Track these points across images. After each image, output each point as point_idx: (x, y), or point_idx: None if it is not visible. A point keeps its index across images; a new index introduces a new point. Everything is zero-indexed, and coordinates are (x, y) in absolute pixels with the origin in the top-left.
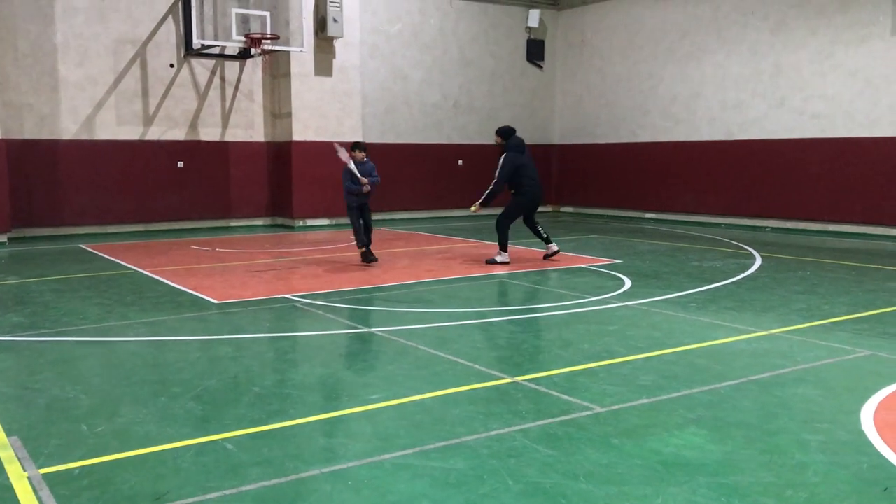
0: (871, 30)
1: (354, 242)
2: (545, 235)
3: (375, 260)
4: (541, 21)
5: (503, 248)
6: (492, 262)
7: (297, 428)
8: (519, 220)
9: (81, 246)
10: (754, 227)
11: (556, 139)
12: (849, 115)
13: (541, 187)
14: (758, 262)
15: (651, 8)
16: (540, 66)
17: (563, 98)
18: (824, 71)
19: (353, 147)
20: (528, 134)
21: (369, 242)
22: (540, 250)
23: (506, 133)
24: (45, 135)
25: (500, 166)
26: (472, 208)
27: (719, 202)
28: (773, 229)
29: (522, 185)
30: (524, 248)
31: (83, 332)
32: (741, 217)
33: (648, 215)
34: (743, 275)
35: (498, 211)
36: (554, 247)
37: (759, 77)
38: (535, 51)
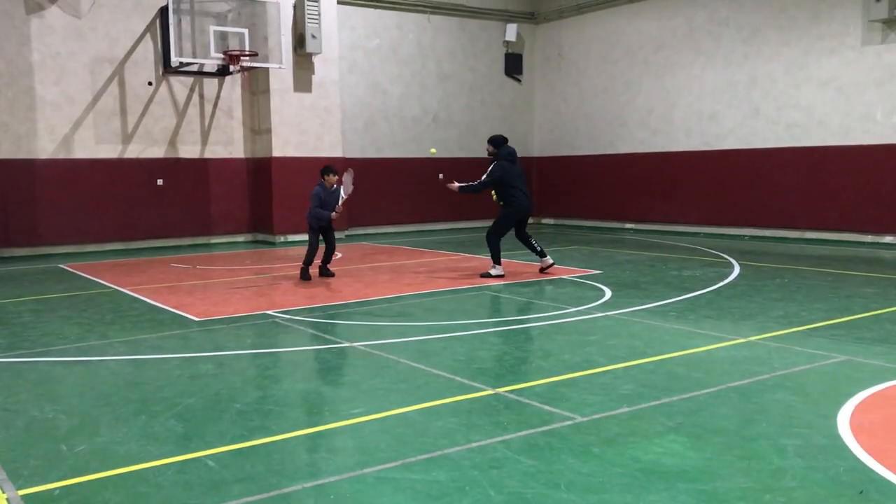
0: (841, 40)
1: (303, 260)
2: (539, 248)
3: (308, 278)
4: (518, 35)
5: (496, 261)
6: (486, 275)
7: (279, 443)
8: (511, 235)
9: (61, 266)
10: (733, 236)
11: (536, 151)
12: (822, 125)
13: (530, 198)
14: (736, 271)
15: (626, 21)
16: (518, 80)
17: (542, 111)
18: (797, 81)
19: (326, 172)
20: None
21: (328, 261)
22: (533, 263)
23: (497, 142)
24: (22, 154)
25: (488, 172)
26: (452, 185)
27: (698, 212)
28: (752, 238)
29: (512, 196)
30: (516, 262)
31: (63, 352)
32: (720, 226)
33: (628, 226)
34: (721, 283)
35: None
36: (549, 260)
37: (734, 88)
38: (513, 64)
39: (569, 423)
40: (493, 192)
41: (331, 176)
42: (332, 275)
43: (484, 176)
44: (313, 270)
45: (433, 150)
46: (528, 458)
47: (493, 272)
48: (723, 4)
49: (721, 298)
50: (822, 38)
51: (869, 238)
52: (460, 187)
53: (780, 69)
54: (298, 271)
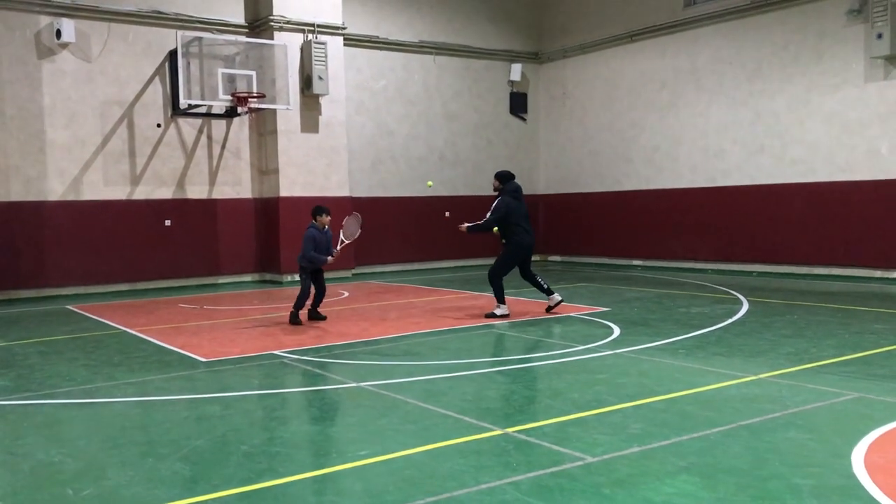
0: (844, 77)
1: (293, 304)
2: (546, 287)
3: (298, 322)
4: (523, 74)
5: (500, 300)
6: (491, 315)
7: (286, 486)
8: (517, 274)
9: (68, 307)
10: (741, 272)
11: (542, 189)
12: (828, 160)
13: (532, 236)
14: (745, 307)
15: (630, 60)
16: (523, 119)
17: (548, 149)
18: (801, 118)
19: (318, 212)
20: None
21: (318, 304)
22: (541, 301)
23: (503, 178)
24: (31, 197)
25: (493, 209)
26: (461, 226)
27: (705, 248)
28: (760, 274)
29: (513, 232)
30: (523, 300)
31: (69, 394)
32: (727, 262)
33: (636, 263)
34: (730, 320)
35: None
36: (557, 297)
37: (739, 124)
38: (518, 103)
39: (579, 463)
40: (495, 228)
41: (323, 217)
42: (324, 318)
43: (489, 213)
44: (302, 314)
45: (430, 183)
46: (537, 499)
47: (497, 312)
48: (725, 42)
49: (730, 335)
50: (825, 75)
51: (878, 273)
52: (468, 228)
53: (784, 106)
54: (288, 315)
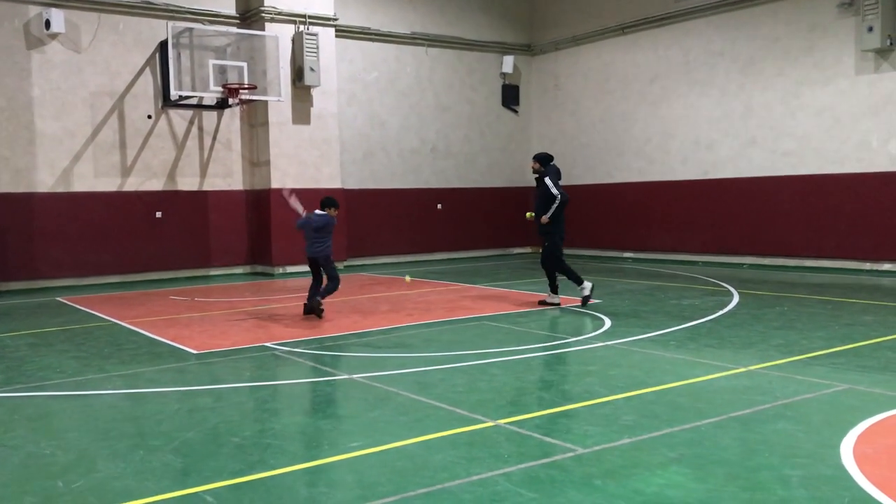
0: (835, 70)
1: (321, 298)
2: (556, 285)
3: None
4: (515, 66)
5: (578, 281)
6: (544, 303)
7: (277, 478)
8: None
9: (58, 299)
10: (732, 265)
11: (533, 181)
12: (818, 153)
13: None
14: (736, 299)
15: (622, 52)
16: (515, 111)
17: (539, 141)
18: (793, 110)
19: (332, 204)
20: (505, 177)
21: (315, 295)
22: (538, 294)
23: (543, 159)
24: (21, 188)
25: (550, 187)
26: (535, 216)
27: (696, 240)
28: (751, 266)
29: (559, 217)
30: (516, 292)
31: (60, 386)
32: (718, 255)
33: (626, 255)
34: (721, 312)
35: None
36: (556, 299)
37: (730, 117)
38: (510, 95)
39: (570, 454)
40: (529, 214)
41: (331, 210)
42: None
43: (553, 191)
44: (299, 303)
45: (408, 279)
46: (529, 490)
47: (549, 300)
48: (717, 35)
49: (721, 327)
50: (817, 68)
51: (867, 265)
52: (549, 216)
53: (776, 98)
54: (305, 308)
